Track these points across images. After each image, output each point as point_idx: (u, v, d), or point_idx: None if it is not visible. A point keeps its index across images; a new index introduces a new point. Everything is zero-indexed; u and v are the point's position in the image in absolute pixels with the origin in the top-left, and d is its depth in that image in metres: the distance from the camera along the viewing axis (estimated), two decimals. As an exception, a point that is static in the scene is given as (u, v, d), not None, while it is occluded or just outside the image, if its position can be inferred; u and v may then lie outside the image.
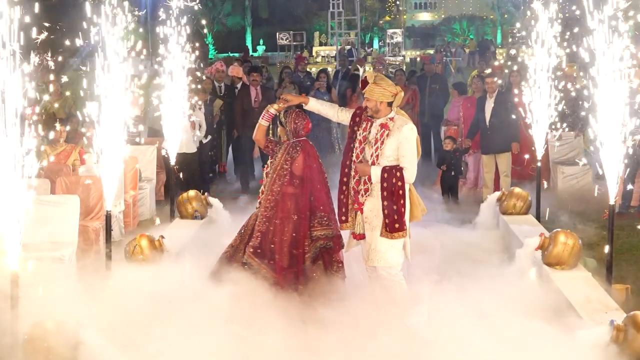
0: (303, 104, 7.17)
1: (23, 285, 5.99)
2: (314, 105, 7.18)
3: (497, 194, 10.15)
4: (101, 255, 7.78)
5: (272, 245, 7.00)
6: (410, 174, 6.59)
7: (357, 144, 6.80)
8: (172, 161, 10.04)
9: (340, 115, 7.09)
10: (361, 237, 6.80)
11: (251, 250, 7.03)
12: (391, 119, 6.67)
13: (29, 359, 5.27)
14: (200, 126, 11.99)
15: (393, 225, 6.57)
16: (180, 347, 5.91)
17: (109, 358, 5.49)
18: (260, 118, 7.18)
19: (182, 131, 11.07)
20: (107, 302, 6.57)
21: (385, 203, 6.57)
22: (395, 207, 6.55)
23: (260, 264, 6.98)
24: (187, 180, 11.36)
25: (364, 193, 6.73)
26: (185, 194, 9.68)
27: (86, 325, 5.52)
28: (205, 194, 9.91)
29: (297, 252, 7.00)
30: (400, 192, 6.55)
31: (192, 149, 11.88)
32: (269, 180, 7.16)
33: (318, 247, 7.02)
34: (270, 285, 6.85)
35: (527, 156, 11.69)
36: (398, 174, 6.55)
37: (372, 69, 18.04)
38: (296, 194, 7.05)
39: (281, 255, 6.97)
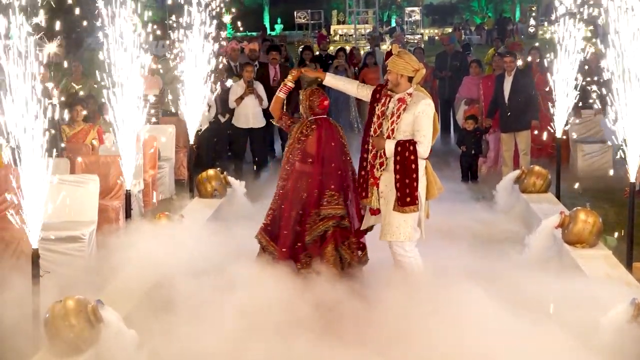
0: (320, 80, 7.11)
1: (44, 264, 6.03)
2: (331, 80, 7.13)
3: (517, 172, 10.09)
4: (121, 234, 7.81)
5: (281, 223, 6.94)
6: (423, 149, 6.56)
7: (375, 119, 6.79)
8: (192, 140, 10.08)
9: (360, 91, 7.05)
10: (377, 212, 6.79)
11: (262, 227, 7.04)
12: (409, 94, 6.65)
13: (51, 337, 5.31)
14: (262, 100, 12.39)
15: (405, 199, 6.55)
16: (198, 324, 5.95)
17: (129, 336, 5.53)
18: (278, 90, 7.15)
19: (250, 107, 12.25)
20: (126, 279, 6.62)
21: (398, 177, 6.56)
22: (407, 181, 6.54)
23: (269, 241, 6.97)
24: (240, 155, 12.65)
25: (379, 167, 6.73)
26: (204, 173, 9.73)
27: (107, 304, 5.54)
28: (225, 173, 9.92)
29: (299, 230, 6.91)
30: (413, 166, 6.53)
31: (262, 122, 12.49)
32: (284, 159, 7.12)
33: (331, 226, 6.85)
34: (274, 262, 6.83)
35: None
36: (411, 147, 6.53)
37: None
38: (308, 173, 6.91)
39: (287, 233, 6.89)
